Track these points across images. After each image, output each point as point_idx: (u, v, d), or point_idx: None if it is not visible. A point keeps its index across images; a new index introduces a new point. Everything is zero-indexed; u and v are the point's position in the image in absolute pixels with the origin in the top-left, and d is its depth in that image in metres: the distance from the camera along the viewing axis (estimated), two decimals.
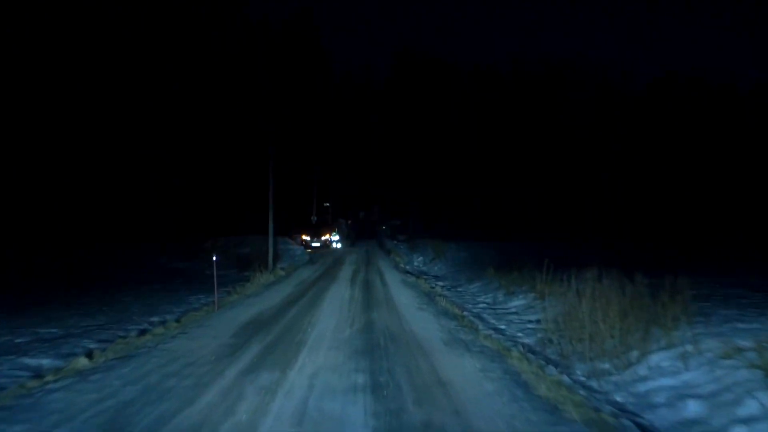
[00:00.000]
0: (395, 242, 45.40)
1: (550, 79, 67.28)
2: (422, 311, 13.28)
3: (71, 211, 37.87)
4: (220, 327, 11.13)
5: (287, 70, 53.74)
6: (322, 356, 8.48)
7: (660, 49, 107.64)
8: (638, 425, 5.73)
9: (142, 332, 10.93)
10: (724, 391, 6.06)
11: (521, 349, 9.21)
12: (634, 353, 7.90)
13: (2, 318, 12.62)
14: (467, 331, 10.63)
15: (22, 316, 13.01)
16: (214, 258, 15.48)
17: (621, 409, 6.37)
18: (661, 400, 6.54)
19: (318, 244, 37.74)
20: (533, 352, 9.25)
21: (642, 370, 7.49)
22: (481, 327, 11.37)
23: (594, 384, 7.54)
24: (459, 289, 19.48)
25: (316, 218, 47.88)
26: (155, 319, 12.77)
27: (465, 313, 13.45)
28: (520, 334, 11.04)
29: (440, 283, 21.42)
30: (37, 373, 7.84)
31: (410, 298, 15.70)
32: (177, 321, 12.25)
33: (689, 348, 7.24)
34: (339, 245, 38.80)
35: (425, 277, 24.41)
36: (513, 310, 14.26)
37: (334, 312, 12.92)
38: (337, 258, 31.67)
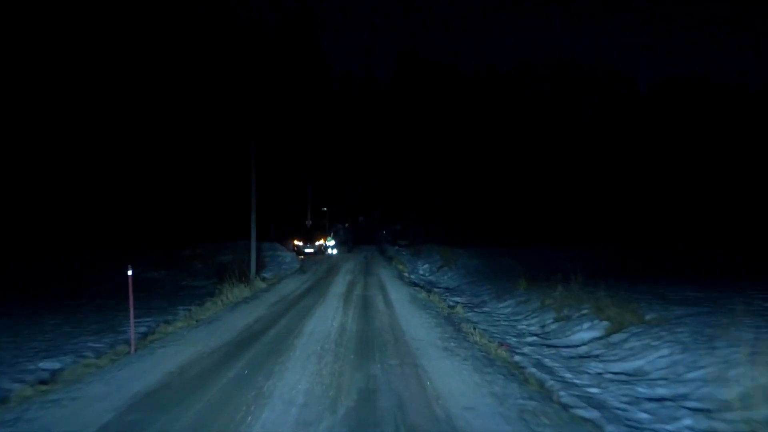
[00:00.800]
0: (396, 248, 40.36)
1: (554, 82, 62.57)
2: (451, 356, 8.17)
3: (45, 218, 32.94)
4: (83, 411, 6.08)
5: (282, 70, 48.84)
6: None
7: (664, 50, 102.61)
8: None
9: None
10: None
11: None
12: None
13: None
14: (550, 414, 5.58)
15: None
16: (129, 272, 10.35)
17: None
18: None
19: (311, 250, 32.70)
20: None
21: None
22: (567, 399, 6.28)
23: None
24: (485, 309, 14.41)
25: (311, 222, 42.84)
26: (31, 366, 7.78)
27: (518, 357, 8.42)
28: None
29: (458, 300, 16.39)
30: None
31: (427, 329, 10.59)
32: (42, 382, 7.18)
33: None
34: (335, 251, 33.74)
35: (436, 290, 19.38)
36: (583, 349, 9.20)
37: (309, 364, 7.76)
38: (332, 266, 26.61)
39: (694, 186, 51.18)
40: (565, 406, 5.84)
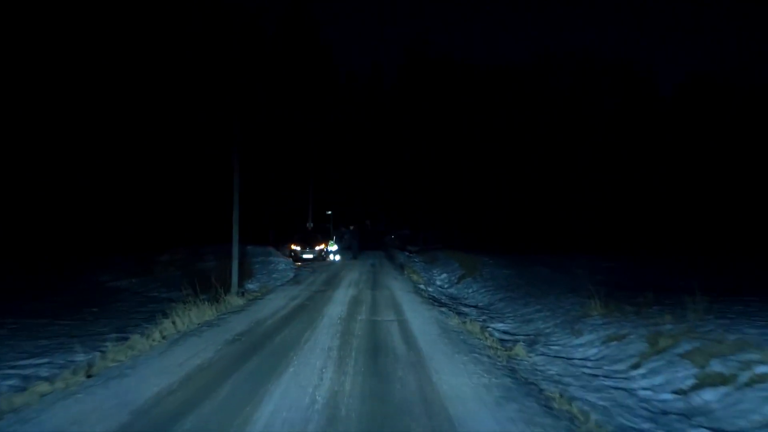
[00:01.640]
0: (407, 254, 35.26)
1: (572, 78, 57.49)
2: None
3: (13, 220, 28.06)
4: None
5: (283, 64, 43.92)
6: None
7: (686, 49, 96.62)
8: None
9: None
10: None
11: None
12: None
13: None
14: None
15: None
16: None
17: None
18: None
19: (310, 256, 27.61)
20: None
21: None
22: None
23: None
24: (554, 346, 9.28)
25: (312, 224, 37.76)
26: None
27: None
28: None
29: (503, 327, 11.35)
30: None
31: (493, 407, 5.48)
32: None
33: None
34: (338, 258, 28.65)
35: (466, 309, 14.35)
36: None
37: None
38: (333, 275, 21.52)
39: (728, 188, 45.89)
40: None
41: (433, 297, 16.46)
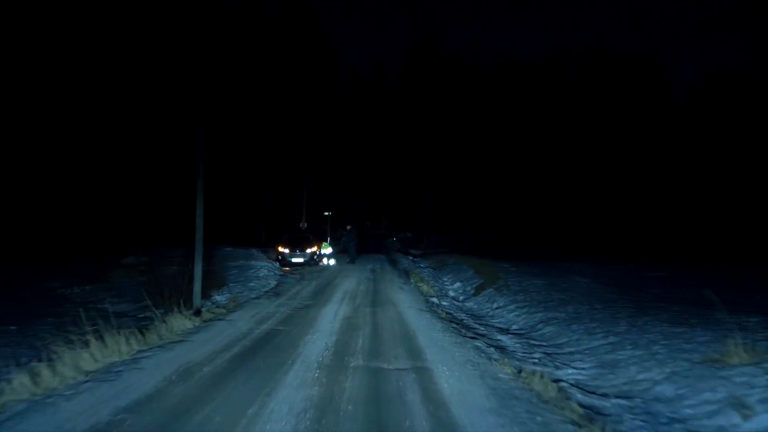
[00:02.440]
0: (411, 258, 30.81)
1: (584, 76, 53.20)
2: None
3: None
4: None
5: (280, 54, 39.59)
6: None
7: (701, 47, 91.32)
8: None
9: None
10: None
11: None
12: None
13: None
14: None
15: None
16: None
17: None
18: None
19: (300, 260, 23.15)
20: None
21: None
22: None
23: None
24: None
25: (306, 224, 33.39)
26: None
27: None
28: None
29: (576, 376, 7.01)
30: None
31: None
32: None
33: None
34: (332, 262, 24.16)
35: (501, 336, 10.02)
36: None
37: None
38: (324, 285, 17.07)
39: (751, 189, 41.49)
40: None
41: (451, 315, 12.06)
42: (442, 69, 52.55)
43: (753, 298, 12.32)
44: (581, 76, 53.16)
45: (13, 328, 11.16)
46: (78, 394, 5.62)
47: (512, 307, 13.61)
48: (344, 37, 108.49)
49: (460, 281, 19.57)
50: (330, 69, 45.43)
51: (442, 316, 11.34)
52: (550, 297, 13.93)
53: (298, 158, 35.95)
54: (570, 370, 7.41)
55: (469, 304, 15.69)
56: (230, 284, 16.67)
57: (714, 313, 8.18)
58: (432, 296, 15.32)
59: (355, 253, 25.21)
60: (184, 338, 8.60)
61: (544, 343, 9.61)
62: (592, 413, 5.60)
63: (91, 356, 7.00)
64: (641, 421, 5.49)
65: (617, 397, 6.30)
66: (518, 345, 9.24)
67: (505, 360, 7.19)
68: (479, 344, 8.21)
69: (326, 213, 42.84)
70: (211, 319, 10.75)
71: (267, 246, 28.14)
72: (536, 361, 7.68)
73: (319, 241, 24.90)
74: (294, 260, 23.04)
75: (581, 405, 5.74)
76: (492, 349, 7.92)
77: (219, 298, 14.88)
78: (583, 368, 7.60)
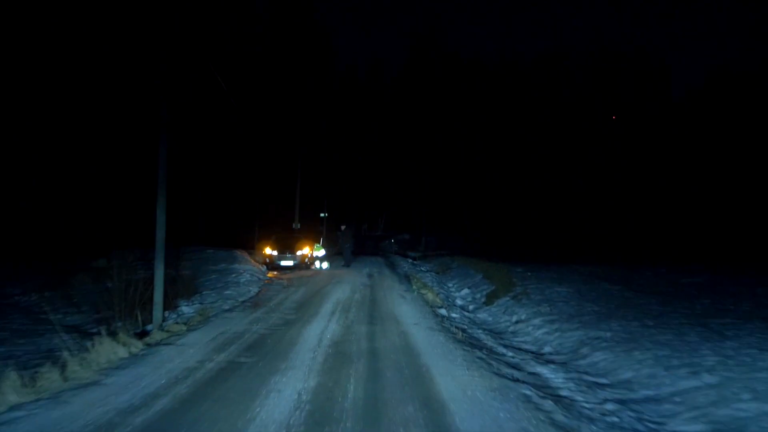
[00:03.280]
0: (410, 261, 27.99)
1: (584, 77, 50.56)
2: None
3: None
4: None
5: (274, 48, 36.83)
6: None
7: (702, 49, 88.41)
8: None
9: None
10: None
11: None
12: None
13: None
14: None
15: None
16: None
17: None
18: None
19: (290, 263, 20.31)
20: None
21: None
22: None
23: None
24: None
25: (299, 225, 30.56)
26: None
27: None
28: None
29: None
30: None
31: None
32: None
33: None
34: (325, 265, 21.33)
35: (539, 367, 7.27)
36: None
37: None
38: (312, 292, 14.22)
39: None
40: None
41: (470, 335, 9.31)
42: (441, 69, 49.80)
43: None
44: (582, 76, 50.57)
45: None
46: None
47: (537, 321, 10.83)
48: (343, 37, 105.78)
49: (468, 287, 16.81)
50: (326, 62, 42.66)
51: (458, 337, 8.56)
52: (583, 309, 11.19)
53: (292, 157, 33.13)
54: None
55: (481, 315, 12.92)
56: (204, 292, 13.88)
57: None
58: (439, 306, 12.54)
59: (350, 255, 22.39)
60: (98, 379, 5.80)
61: (603, 380, 6.83)
62: None
63: None
64: None
65: None
66: (571, 384, 6.45)
67: (580, 427, 4.42)
68: (527, 391, 5.41)
69: (322, 214, 40.01)
70: (158, 343, 7.96)
71: (258, 249, 25.38)
72: (616, 420, 4.91)
73: (311, 243, 22.08)
74: (283, 263, 20.19)
75: None
76: (548, 401, 5.12)
77: (186, 309, 12.11)
78: None
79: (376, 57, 64.04)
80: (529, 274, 16.30)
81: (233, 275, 16.18)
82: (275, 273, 19.26)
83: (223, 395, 5.15)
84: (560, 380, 6.62)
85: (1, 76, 21.52)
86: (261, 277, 17.33)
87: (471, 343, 8.31)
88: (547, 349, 9.01)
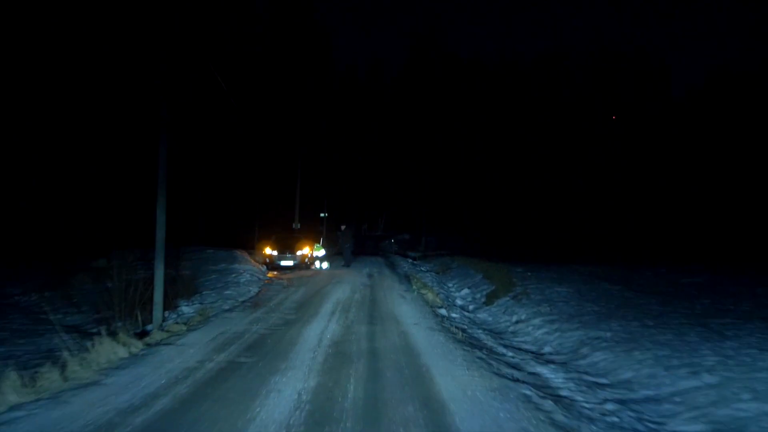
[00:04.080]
0: (410, 261, 27.99)
1: (584, 77, 50.51)
2: None
3: None
4: None
5: (274, 47, 36.82)
6: None
7: (703, 49, 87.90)
8: None
9: None
10: None
11: None
12: None
13: None
14: None
15: None
16: None
17: None
18: None
19: (290, 263, 20.33)
20: None
21: None
22: None
23: None
24: None
25: (299, 225, 30.56)
26: None
27: None
28: None
29: None
30: None
31: None
32: None
33: None
34: (325, 265, 21.36)
35: (538, 366, 7.26)
36: None
37: None
38: (313, 292, 14.23)
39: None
40: None
41: (470, 335, 9.30)
42: (441, 69, 49.78)
43: None
44: (582, 76, 50.52)
45: None
46: None
47: (537, 321, 10.83)
48: (343, 37, 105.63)
49: (468, 287, 16.81)
50: (326, 62, 42.63)
51: (458, 337, 8.55)
52: (583, 309, 11.19)
53: (292, 157, 33.11)
54: None
55: (481, 315, 12.91)
56: (204, 292, 13.88)
57: None
58: (439, 306, 12.54)
59: (350, 255, 22.40)
60: (98, 379, 5.80)
61: (603, 380, 6.83)
62: None
63: None
64: None
65: None
66: (571, 384, 6.45)
67: (579, 427, 4.42)
68: (527, 391, 5.41)
69: (322, 214, 40.00)
70: (158, 343, 7.96)
71: (258, 249, 25.37)
72: (616, 420, 4.91)
73: (311, 243, 22.08)
74: (283, 263, 20.19)
75: None
76: (548, 401, 5.11)
77: (186, 309, 12.10)
78: None
79: (376, 57, 64.11)
80: (529, 274, 16.30)
81: (233, 275, 16.18)
82: (275, 273, 19.27)
83: (223, 395, 5.15)
84: (560, 380, 6.62)
85: (1, 76, 21.50)
86: (261, 277, 17.33)
87: (471, 343, 8.31)
88: (547, 349, 9.01)
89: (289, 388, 5.31)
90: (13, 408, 4.82)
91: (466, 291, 16.53)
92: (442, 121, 47.25)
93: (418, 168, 47.10)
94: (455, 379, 5.69)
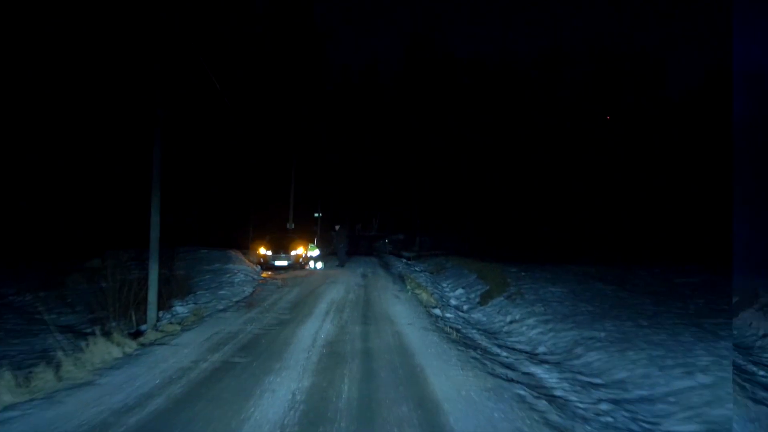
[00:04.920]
0: (404, 261, 28.02)
1: (583, 75, 50.55)
2: None
3: None
4: None
5: (271, 47, 36.77)
6: None
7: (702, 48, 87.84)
8: None
9: None
10: None
11: None
12: None
13: None
14: None
15: None
16: None
17: None
18: None
19: (284, 263, 20.33)
20: None
21: None
22: None
23: None
24: None
25: (293, 225, 30.56)
26: None
27: None
28: None
29: None
30: None
31: None
32: None
33: None
34: (320, 265, 21.36)
35: (532, 367, 7.26)
36: None
37: None
38: (307, 292, 14.24)
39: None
40: None
41: (464, 335, 9.33)
42: (439, 68, 49.78)
43: None
44: (582, 76, 50.56)
45: None
46: None
47: (531, 321, 10.86)
48: (341, 37, 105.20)
49: (462, 287, 16.85)
50: (323, 62, 42.61)
51: (452, 337, 8.58)
52: (577, 309, 11.23)
53: (287, 157, 33.09)
54: None
55: (476, 315, 12.93)
56: (198, 292, 13.86)
57: None
58: (433, 306, 12.57)
59: (345, 255, 22.40)
60: (92, 379, 5.79)
61: (597, 380, 6.85)
62: None
63: None
64: None
65: None
66: (565, 384, 6.47)
67: (574, 427, 4.44)
68: (521, 391, 5.43)
69: (316, 214, 39.98)
70: (152, 343, 7.95)
71: (252, 249, 25.35)
72: (610, 420, 4.93)
73: (305, 243, 22.07)
74: (277, 263, 20.17)
75: None
76: (543, 401, 5.14)
77: (181, 309, 12.08)
78: None
79: (374, 57, 64.07)
80: (523, 274, 16.36)
81: (227, 275, 16.16)
82: (269, 273, 19.26)
83: (217, 395, 5.15)
84: (554, 380, 6.64)
85: None
86: (255, 277, 17.32)
87: (465, 343, 8.33)
88: (541, 349, 9.03)
89: (283, 388, 5.32)
90: (7, 408, 4.81)
91: (460, 291, 16.57)
92: (439, 120, 47.27)
93: (414, 168, 47.13)
94: (449, 379, 5.72)
